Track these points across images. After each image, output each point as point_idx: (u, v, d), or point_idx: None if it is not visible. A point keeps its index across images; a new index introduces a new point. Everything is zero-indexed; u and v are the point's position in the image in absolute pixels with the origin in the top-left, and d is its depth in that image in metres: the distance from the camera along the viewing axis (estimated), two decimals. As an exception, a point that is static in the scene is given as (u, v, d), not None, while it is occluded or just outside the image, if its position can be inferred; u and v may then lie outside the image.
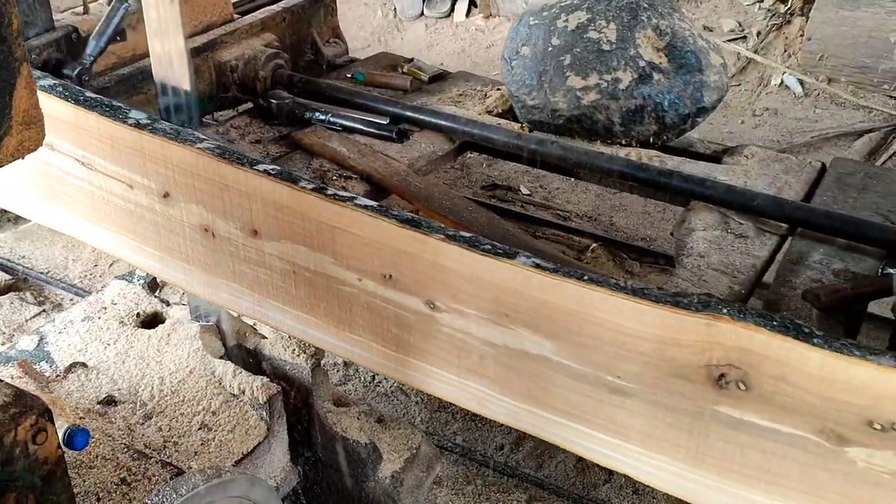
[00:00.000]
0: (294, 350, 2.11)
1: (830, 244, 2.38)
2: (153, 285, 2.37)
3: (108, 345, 2.17)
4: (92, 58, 2.51)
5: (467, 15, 5.99)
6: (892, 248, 2.31)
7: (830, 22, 4.80)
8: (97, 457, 1.86)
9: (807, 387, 1.33)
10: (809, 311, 2.13)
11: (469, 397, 1.70)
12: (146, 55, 2.87)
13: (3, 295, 3.36)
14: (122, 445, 1.89)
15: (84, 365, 2.11)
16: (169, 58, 1.92)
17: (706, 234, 2.44)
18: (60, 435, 1.43)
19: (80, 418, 1.95)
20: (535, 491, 2.61)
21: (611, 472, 2.62)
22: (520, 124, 2.91)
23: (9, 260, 3.55)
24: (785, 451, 1.40)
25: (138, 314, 2.27)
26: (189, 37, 3.01)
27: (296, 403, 2.13)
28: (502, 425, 2.67)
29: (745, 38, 5.27)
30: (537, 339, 1.54)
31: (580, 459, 2.63)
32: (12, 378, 2.03)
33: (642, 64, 2.72)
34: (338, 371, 3.03)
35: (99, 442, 1.89)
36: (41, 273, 3.49)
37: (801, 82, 4.99)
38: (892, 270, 2.24)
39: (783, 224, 2.47)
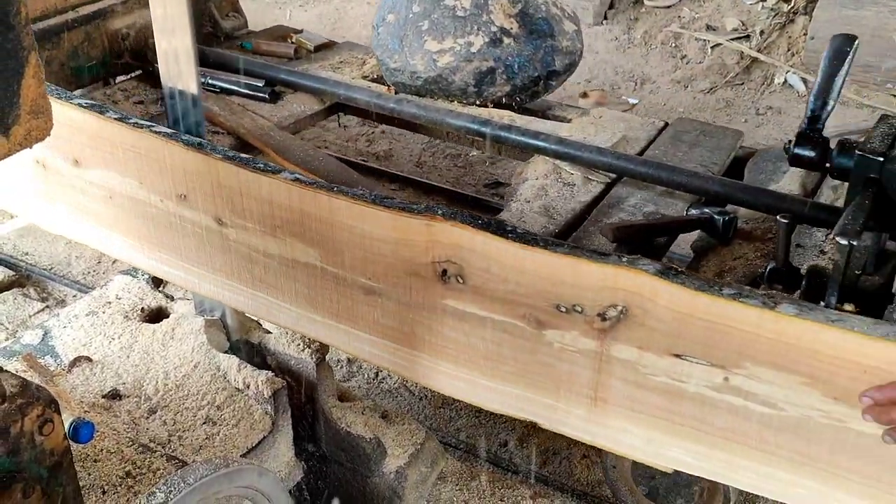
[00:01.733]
0: (299, 345, 2.11)
1: (650, 190, 2.59)
2: (157, 280, 2.34)
3: (113, 339, 2.17)
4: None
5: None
6: (699, 192, 2.51)
7: (834, 21, 4.78)
8: (102, 450, 1.87)
9: (507, 277, 1.53)
10: (611, 246, 2.33)
11: (260, 307, 1.89)
12: (36, 20, 3.07)
13: (6, 291, 3.33)
14: (127, 439, 1.90)
15: (89, 359, 2.12)
16: (175, 56, 1.89)
17: (536, 183, 2.64)
18: (66, 428, 1.49)
19: (85, 412, 1.95)
20: (540, 487, 2.58)
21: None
22: (387, 87, 3.11)
23: (12, 256, 3.54)
24: (500, 338, 1.60)
25: (143, 309, 2.27)
26: (79, 6, 3.22)
27: (300, 398, 2.14)
28: (506, 422, 2.75)
29: (748, 37, 5.28)
30: (304, 247, 1.74)
31: (584, 455, 2.67)
32: (17, 372, 2.00)
33: (494, 29, 2.92)
34: (341, 368, 3.00)
35: (104, 436, 1.89)
36: (44, 270, 3.48)
37: (805, 81, 4.98)
38: (694, 211, 2.44)
39: (611, 174, 2.67)
